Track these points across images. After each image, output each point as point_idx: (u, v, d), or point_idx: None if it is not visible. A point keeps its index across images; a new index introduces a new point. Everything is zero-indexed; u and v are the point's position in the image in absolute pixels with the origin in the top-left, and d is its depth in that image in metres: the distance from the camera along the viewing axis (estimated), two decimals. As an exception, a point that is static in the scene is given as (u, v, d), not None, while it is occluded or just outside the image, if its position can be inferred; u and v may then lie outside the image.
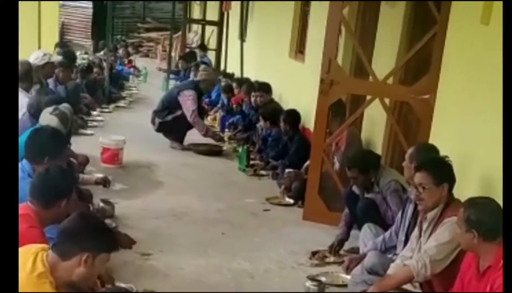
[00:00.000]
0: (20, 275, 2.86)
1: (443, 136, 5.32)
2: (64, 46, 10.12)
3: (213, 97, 12.05)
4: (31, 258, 2.91)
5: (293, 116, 7.97)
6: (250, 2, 13.96)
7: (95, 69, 12.02)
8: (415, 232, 4.36)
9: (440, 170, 4.13)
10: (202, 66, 10.79)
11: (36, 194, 3.58)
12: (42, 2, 9.13)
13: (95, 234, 3.05)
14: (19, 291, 2.80)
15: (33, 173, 4.07)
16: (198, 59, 15.56)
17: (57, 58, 7.14)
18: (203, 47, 17.38)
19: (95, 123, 10.16)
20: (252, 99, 9.71)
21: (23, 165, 4.15)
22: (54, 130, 4.52)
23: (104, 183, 6.12)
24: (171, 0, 17.28)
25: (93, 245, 3.00)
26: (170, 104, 9.17)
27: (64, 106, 5.22)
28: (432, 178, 4.08)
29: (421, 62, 6.11)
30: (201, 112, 9.51)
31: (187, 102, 9.01)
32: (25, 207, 3.57)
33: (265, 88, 9.52)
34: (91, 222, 3.12)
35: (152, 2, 25.85)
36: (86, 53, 18.67)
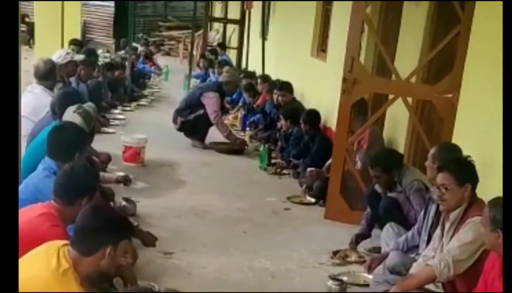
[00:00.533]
0: (44, 272, 2.89)
1: (466, 136, 5.27)
2: (78, 44, 10.12)
3: (234, 96, 12.05)
4: (55, 255, 2.93)
5: (313, 116, 7.96)
6: (272, 1, 13.95)
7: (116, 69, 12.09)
8: (438, 231, 4.33)
9: (463, 170, 4.09)
10: (225, 68, 10.79)
11: (59, 191, 3.61)
12: (65, 1, 9.18)
13: (112, 226, 3.09)
14: (42, 287, 2.83)
15: (58, 170, 4.09)
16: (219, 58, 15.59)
17: (79, 56, 7.17)
18: (222, 46, 17.41)
19: (116, 121, 10.21)
20: (274, 97, 9.69)
21: (47, 163, 4.16)
22: (77, 126, 4.53)
23: (125, 181, 6.15)
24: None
25: (113, 237, 3.05)
26: (192, 103, 9.18)
27: (88, 105, 5.25)
28: (455, 178, 4.04)
29: (444, 61, 6.07)
30: (223, 112, 9.52)
31: (210, 104, 9.02)
32: (48, 205, 3.60)
33: (287, 87, 9.50)
34: (106, 214, 3.15)
35: (173, 0, 25.91)
36: (108, 51, 18.81)
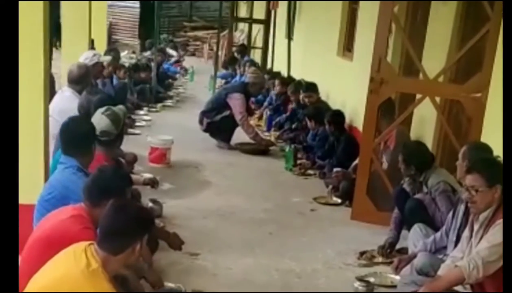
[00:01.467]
0: (73, 271, 2.89)
1: (495, 135, 5.18)
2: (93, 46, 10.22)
3: (258, 96, 12.02)
4: (83, 254, 2.94)
5: (338, 117, 7.93)
6: (298, 1, 13.91)
7: (142, 71, 12.15)
8: (466, 232, 4.26)
9: (493, 172, 3.99)
10: (251, 68, 10.77)
11: (89, 193, 3.60)
12: (92, 2, 9.25)
13: (138, 223, 3.09)
14: (72, 287, 2.84)
15: (80, 166, 4.13)
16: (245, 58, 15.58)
17: (106, 58, 7.20)
18: (243, 47, 17.40)
19: (142, 122, 10.24)
20: (300, 98, 9.67)
21: (68, 162, 4.15)
22: (86, 118, 4.55)
23: (153, 183, 6.14)
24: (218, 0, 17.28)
25: (140, 233, 3.08)
26: (218, 105, 9.19)
27: (119, 108, 5.25)
28: (484, 180, 3.95)
29: (472, 60, 6.00)
30: (249, 113, 9.52)
31: (236, 105, 9.03)
32: (78, 207, 3.60)
33: (312, 88, 9.46)
34: (130, 212, 3.13)
35: (198, 1, 25.97)
36: (133, 52, 18.88)
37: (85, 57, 7.12)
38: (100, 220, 3.12)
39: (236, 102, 9.04)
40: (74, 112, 5.48)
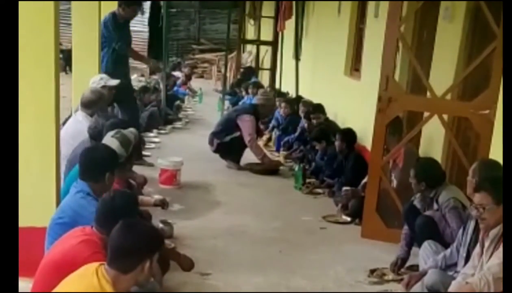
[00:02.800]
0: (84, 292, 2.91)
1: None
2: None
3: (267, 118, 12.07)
4: (94, 275, 2.97)
5: (350, 135, 7.94)
6: (305, 21, 14.00)
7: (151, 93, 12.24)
8: (477, 249, 4.26)
9: (500, 190, 4.03)
10: (261, 90, 10.84)
11: (100, 220, 3.63)
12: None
13: (148, 241, 3.12)
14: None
15: (91, 191, 4.14)
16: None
17: (113, 81, 7.27)
18: (250, 69, 17.49)
19: (152, 144, 10.28)
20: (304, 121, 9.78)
21: (80, 185, 4.18)
22: (107, 147, 4.58)
23: (163, 204, 6.18)
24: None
25: (149, 251, 3.09)
26: (228, 126, 9.25)
27: (130, 130, 5.31)
28: (491, 198, 3.98)
29: (480, 77, 6.03)
30: (258, 135, 9.60)
31: (246, 127, 9.09)
32: (90, 232, 3.62)
33: (318, 109, 9.53)
34: (140, 230, 3.15)
35: (206, 24, 26.11)
36: (142, 75, 18.99)
37: (93, 81, 7.21)
38: (110, 239, 3.15)
39: (245, 124, 9.10)
40: (86, 135, 5.54)
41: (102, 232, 3.52)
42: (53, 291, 3.07)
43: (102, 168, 4.20)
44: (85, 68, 8.27)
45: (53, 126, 4.78)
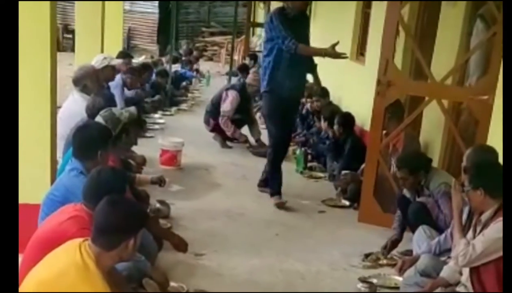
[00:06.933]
0: (68, 269, 2.92)
1: (501, 138, 5.17)
2: (125, 56, 10.33)
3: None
4: (77, 251, 2.97)
5: (347, 119, 7.92)
6: (312, 5, 13.92)
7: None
8: (469, 234, 4.26)
9: (477, 175, 4.08)
10: (252, 70, 10.90)
11: (86, 194, 3.64)
12: (106, 8, 9.33)
13: (132, 218, 3.12)
14: (67, 285, 2.87)
15: (84, 170, 4.15)
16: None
17: (117, 61, 7.27)
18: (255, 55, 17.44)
19: (156, 126, 10.30)
20: (308, 104, 9.73)
21: (74, 163, 4.21)
22: (99, 125, 4.58)
23: (160, 182, 6.19)
24: (233, 0, 17.29)
25: (134, 228, 3.09)
26: (216, 102, 9.52)
27: (127, 109, 5.30)
28: (469, 182, 4.08)
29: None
30: (248, 115, 9.68)
31: (226, 101, 9.34)
32: (79, 208, 3.63)
33: (323, 93, 9.50)
34: (124, 207, 3.15)
35: (216, 6, 26.03)
36: (151, 57, 18.99)
37: (96, 60, 7.21)
38: (94, 215, 3.15)
39: (227, 98, 9.35)
40: (82, 114, 5.55)
41: (90, 208, 3.52)
42: (39, 264, 3.08)
43: (93, 146, 4.20)
44: (88, 49, 8.28)
45: (48, 105, 4.80)
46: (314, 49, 6.96)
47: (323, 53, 6.71)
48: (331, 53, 6.46)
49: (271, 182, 6.86)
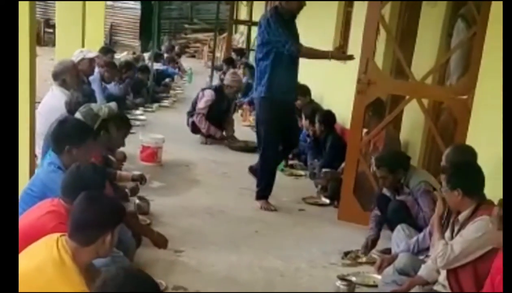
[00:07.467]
0: (45, 264, 2.91)
1: (479, 138, 5.22)
2: (107, 51, 10.30)
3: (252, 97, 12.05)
4: (54, 246, 2.96)
5: (328, 117, 7.93)
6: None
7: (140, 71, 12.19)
8: (447, 233, 4.30)
9: (454, 176, 4.12)
10: (230, 71, 10.96)
11: (65, 190, 3.63)
12: (87, 3, 9.29)
13: (109, 214, 3.11)
14: (44, 280, 2.85)
15: (61, 164, 4.12)
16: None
17: (92, 54, 7.27)
18: (242, 50, 17.46)
19: (137, 122, 10.26)
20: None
21: (52, 157, 4.20)
22: (77, 120, 4.57)
23: (141, 180, 6.20)
24: (216, 0, 17.28)
25: (110, 224, 3.09)
26: (195, 103, 9.65)
27: (106, 105, 5.29)
28: (446, 182, 4.12)
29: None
30: (226, 116, 9.77)
31: (202, 100, 9.47)
32: (56, 203, 3.62)
33: (301, 91, 9.51)
34: (102, 203, 3.15)
35: (199, 3, 25.99)
36: (134, 53, 18.92)
37: (74, 55, 7.21)
38: (71, 210, 3.14)
39: (203, 97, 9.51)
40: (62, 109, 5.53)
41: (68, 203, 3.51)
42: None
43: (67, 141, 4.19)
44: (69, 43, 8.24)
45: (27, 100, 4.77)
46: (319, 51, 6.89)
47: (330, 55, 6.65)
48: (338, 56, 6.44)
49: (260, 183, 6.72)
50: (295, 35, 6.52)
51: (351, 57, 6.28)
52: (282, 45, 6.23)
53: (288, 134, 6.70)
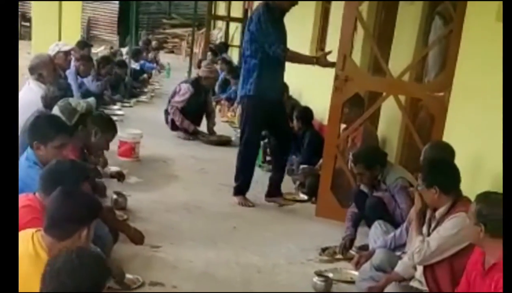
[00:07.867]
0: (21, 260, 2.89)
1: (456, 135, 5.26)
2: (84, 45, 10.24)
3: (230, 93, 12.04)
4: (30, 242, 2.94)
5: (306, 113, 7.96)
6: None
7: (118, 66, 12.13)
8: (424, 229, 4.33)
9: (430, 174, 4.15)
10: (204, 62, 11.02)
11: (43, 185, 3.60)
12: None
13: (86, 208, 3.09)
14: (20, 276, 2.83)
15: (37, 159, 4.09)
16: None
17: (66, 47, 7.24)
18: (223, 45, 17.45)
19: (115, 117, 10.17)
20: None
21: (28, 153, 4.17)
22: (52, 116, 4.54)
23: (119, 176, 6.17)
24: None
25: (87, 219, 3.06)
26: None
27: (85, 100, 5.26)
28: (422, 180, 4.15)
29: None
30: (205, 107, 9.86)
31: (178, 93, 9.59)
32: (32, 198, 3.59)
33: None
34: (78, 197, 3.13)
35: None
36: (111, 48, 18.82)
37: (50, 49, 7.17)
38: (47, 205, 3.12)
39: (180, 91, 9.62)
40: (38, 103, 5.49)
41: (45, 198, 3.49)
42: None
43: (39, 136, 4.16)
44: (45, 37, 8.18)
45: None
46: (304, 56, 6.88)
47: (314, 61, 6.56)
48: (323, 62, 6.31)
49: (238, 178, 6.69)
50: (283, 35, 6.43)
51: (335, 65, 6.18)
52: (269, 46, 6.15)
53: (280, 134, 6.69)
